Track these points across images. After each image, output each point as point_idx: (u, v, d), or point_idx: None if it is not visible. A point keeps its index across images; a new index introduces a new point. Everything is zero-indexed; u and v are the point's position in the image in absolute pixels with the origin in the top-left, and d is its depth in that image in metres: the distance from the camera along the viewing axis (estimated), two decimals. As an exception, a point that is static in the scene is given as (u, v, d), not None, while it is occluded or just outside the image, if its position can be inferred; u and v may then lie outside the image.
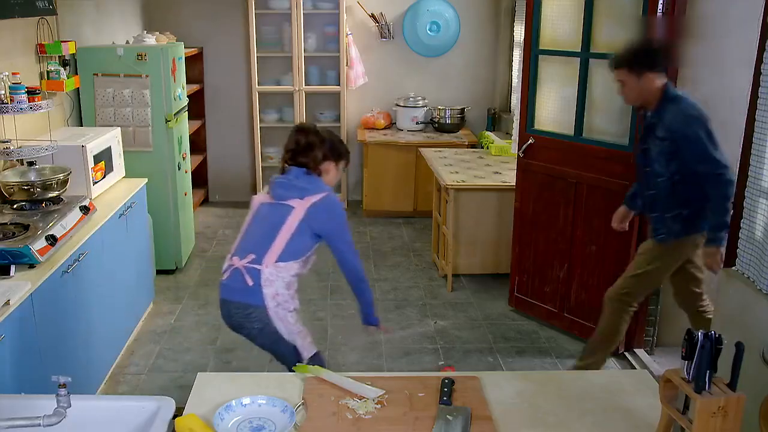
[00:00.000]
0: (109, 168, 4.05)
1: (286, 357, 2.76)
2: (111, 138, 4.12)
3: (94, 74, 4.62)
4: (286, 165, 2.81)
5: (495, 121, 6.67)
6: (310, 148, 2.75)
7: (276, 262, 2.65)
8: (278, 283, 2.66)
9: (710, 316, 3.35)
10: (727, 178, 3.00)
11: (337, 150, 2.83)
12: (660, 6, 3.49)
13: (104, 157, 3.99)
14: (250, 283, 2.64)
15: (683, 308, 3.54)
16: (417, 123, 6.59)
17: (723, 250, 3.02)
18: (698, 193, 3.13)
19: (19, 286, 2.65)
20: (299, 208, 2.67)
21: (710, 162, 3.03)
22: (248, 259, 2.68)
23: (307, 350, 2.75)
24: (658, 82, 3.17)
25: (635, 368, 3.79)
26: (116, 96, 4.66)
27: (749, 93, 2.79)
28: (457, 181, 4.82)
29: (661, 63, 3.20)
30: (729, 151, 3.05)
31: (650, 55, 3.21)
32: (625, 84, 3.23)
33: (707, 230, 3.11)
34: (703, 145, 3.04)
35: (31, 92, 3.43)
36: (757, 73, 2.71)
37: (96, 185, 3.86)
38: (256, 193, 6.64)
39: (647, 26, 3.57)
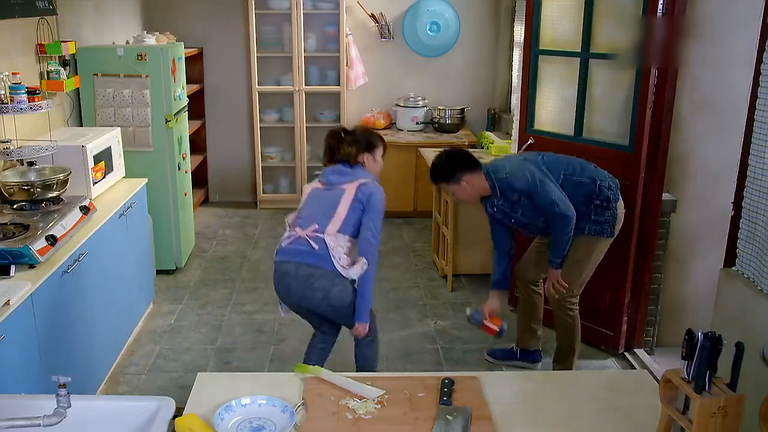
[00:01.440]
0: (109, 168, 4.05)
1: (343, 316, 3.06)
2: (111, 138, 4.12)
3: (94, 74, 4.62)
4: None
5: (495, 121, 6.67)
6: (342, 146, 3.09)
7: (336, 232, 2.94)
8: (339, 250, 2.94)
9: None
10: (567, 217, 3.35)
11: (367, 141, 3.14)
12: (660, 6, 3.48)
13: (104, 157, 3.99)
14: (316, 247, 2.91)
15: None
16: (417, 123, 6.59)
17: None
18: (573, 199, 3.37)
19: (19, 286, 2.65)
20: (350, 188, 3.01)
21: (555, 207, 3.33)
22: (312, 228, 2.96)
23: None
24: (476, 178, 3.39)
25: (635, 368, 3.79)
26: (116, 96, 4.66)
27: (749, 93, 2.79)
28: (457, 181, 4.80)
29: (468, 164, 3.40)
30: (728, 151, 3.06)
31: (453, 165, 3.40)
32: (455, 192, 3.45)
33: (553, 254, 3.48)
34: (541, 191, 3.33)
35: (31, 92, 3.43)
36: (757, 74, 2.71)
37: (96, 185, 3.86)
38: (256, 193, 6.70)
39: (647, 26, 3.57)
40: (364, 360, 3.23)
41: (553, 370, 3.76)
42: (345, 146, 3.08)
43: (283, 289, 3.01)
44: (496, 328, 3.53)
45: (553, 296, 3.56)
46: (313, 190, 3.11)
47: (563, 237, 3.39)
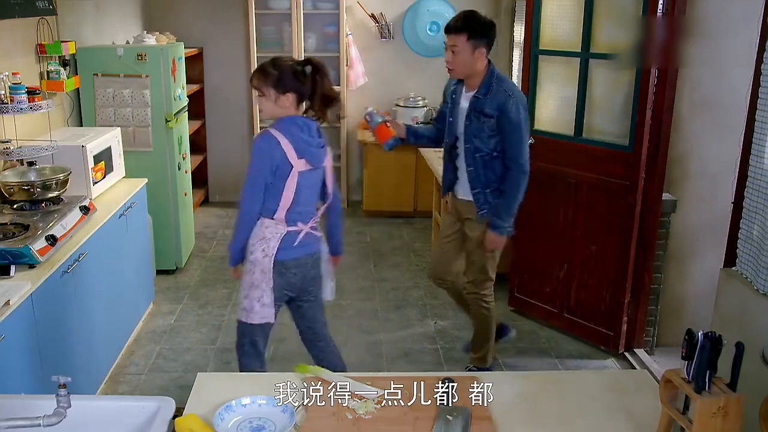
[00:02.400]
0: (109, 168, 4.04)
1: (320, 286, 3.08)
2: (111, 138, 4.12)
3: (94, 74, 4.62)
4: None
5: (495, 121, 6.64)
6: (324, 82, 2.96)
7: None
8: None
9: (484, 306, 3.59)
10: (527, 174, 3.28)
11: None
12: (660, 6, 3.48)
13: (104, 157, 3.98)
14: (318, 234, 2.99)
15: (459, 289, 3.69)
16: (417, 123, 6.57)
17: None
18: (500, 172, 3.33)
19: (19, 286, 2.65)
20: (328, 162, 2.96)
21: (522, 156, 3.26)
22: (312, 220, 2.95)
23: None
24: (484, 60, 3.26)
25: (635, 368, 3.79)
26: (116, 96, 4.66)
27: (749, 93, 2.79)
28: (457, 181, 4.80)
29: (491, 42, 3.27)
30: (728, 152, 3.05)
31: (490, 30, 3.26)
32: (459, 52, 3.23)
33: (501, 217, 3.33)
34: (521, 133, 3.25)
35: (31, 92, 3.42)
36: (757, 74, 2.71)
37: (96, 185, 3.85)
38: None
39: (647, 26, 3.57)
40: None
41: (470, 360, 3.74)
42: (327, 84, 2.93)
43: (297, 282, 2.94)
44: (389, 137, 3.42)
45: (470, 289, 3.57)
46: (301, 176, 2.81)
47: (516, 194, 3.29)
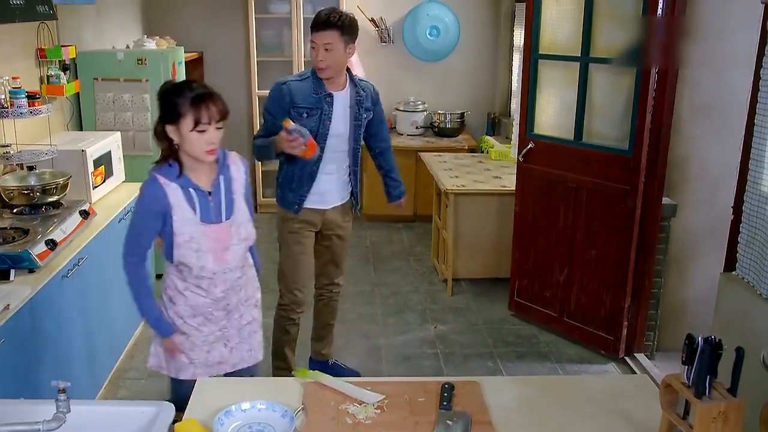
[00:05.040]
0: (109, 172, 4.04)
1: None
2: (111, 142, 4.11)
3: (94, 78, 4.61)
4: None
5: (495, 125, 6.66)
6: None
7: None
8: None
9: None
10: None
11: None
12: (660, 10, 3.48)
13: (104, 162, 3.97)
14: None
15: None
16: (417, 127, 6.59)
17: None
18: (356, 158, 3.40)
19: (19, 290, 2.64)
20: None
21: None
22: None
23: None
24: (352, 54, 3.19)
25: (636, 373, 3.78)
26: (116, 100, 4.65)
27: (749, 96, 2.78)
28: (457, 186, 4.82)
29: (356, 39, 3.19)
30: (728, 155, 3.04)
31: (356, 26, 3.17)
32: (333, 49, 3.07)
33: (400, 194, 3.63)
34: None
35: (31, 97, 3.43)
36: (757, 77, 2.70)
37: (96, 190, 3.84)
38: (255, 198, 6.68)
39: (647, 27, 3.56)
40: None
41: (320, 352, 3.77)
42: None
43: None
44: (316, 147, 3.11)
45: (334, 288, 3.63)
46: None
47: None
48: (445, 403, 1.98)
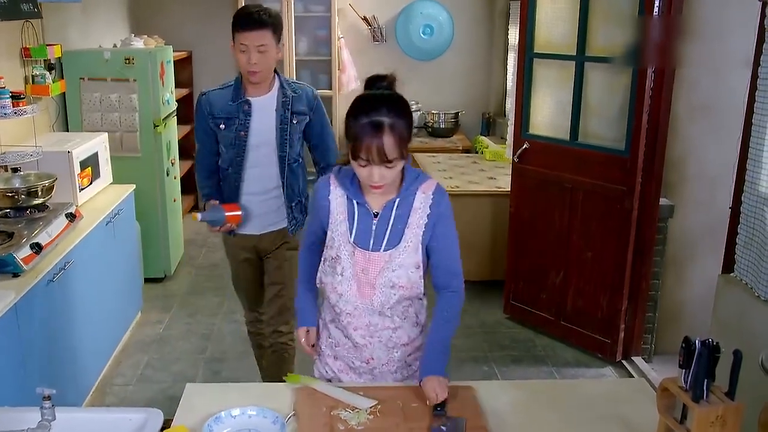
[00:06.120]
0: (95, 174, 4.00)
1: None
2: (98, 143, 4.07)
3: (80, 78, 4.57)
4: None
5: (489, 125, 6.65)
6: None
7: None
8: None
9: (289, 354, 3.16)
10: None
11: None
12: (656, 9, 3.46)
13: (91, 163, 3.94)
14: None
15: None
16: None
17: None
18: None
19: (3, 295, 2.61)
20: None
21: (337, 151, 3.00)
22: None
23: None
24: (279, 55, 2.88)
25: (633, 377, 3.76)
26: (103, 100, 4.61)
27: (746, 96, 2.77)
28: (451, 187, 4.80)
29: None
30: (726, 155, 3.04)
31: (282, 24, 2.88)
32: (267, 50, 2.76)
33: None
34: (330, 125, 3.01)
35: (16, 97, 3.40)
36: (754, 77, 2.70)
37: (82, 192, 3.81)
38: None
39: (643, 26, 3.55)
40: None
41: None
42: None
43: None
44: (238, 212, 2.92)
45: (283, 330, 3.14)
46: None
47: None
48: (439, 409, 1.94)
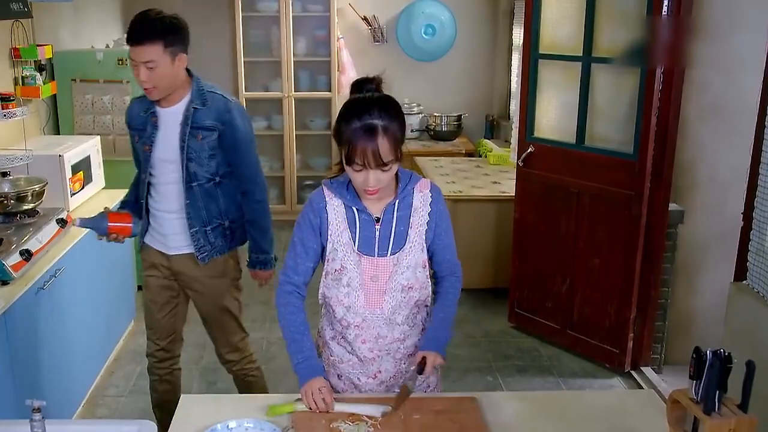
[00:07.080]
0: (87, 178, 3.98)
1: None
2: (90, 147, 4.04)
3: (71, 80, 4.54)
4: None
5: (493, 128, 6.64)
6: None
7: None
8: None
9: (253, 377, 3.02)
10: (267, 204, 2.80)
11: None
12: (665, 8, 3.44)
13: (83, 167, 3.91)
14: None
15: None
16: (412, 131, 6.54)
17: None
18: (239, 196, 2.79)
19: (-10, 304, 2.57)
20: None
21: (261, 174, 2.78)
22: None
23: None
24: (184, 63, 2.68)
25: (642, 388, 3.73)
26: (95, 103, 4.57)
27: (758, 98, 2.74)
28: (454, 192, 4.78)
29: (187, 41, 2.69)
30: (738, 159, 3.01)
31: (184, 30, 2.67)
32: (157, 66, 2.53)
33: (266, 249, 2.84)
34: (253, 146, 2.75)
35: (5, 99, 3.41)
36: (767, 79, 2.67)
37: (74, 197, 3.79)
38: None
39: (652, 26, 3.52)
40: None
41: None
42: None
43: None
44: (126, 224, 2.75)
45: (234, 358, 2.99)
46: None
47: (268, 217, 2.80)
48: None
